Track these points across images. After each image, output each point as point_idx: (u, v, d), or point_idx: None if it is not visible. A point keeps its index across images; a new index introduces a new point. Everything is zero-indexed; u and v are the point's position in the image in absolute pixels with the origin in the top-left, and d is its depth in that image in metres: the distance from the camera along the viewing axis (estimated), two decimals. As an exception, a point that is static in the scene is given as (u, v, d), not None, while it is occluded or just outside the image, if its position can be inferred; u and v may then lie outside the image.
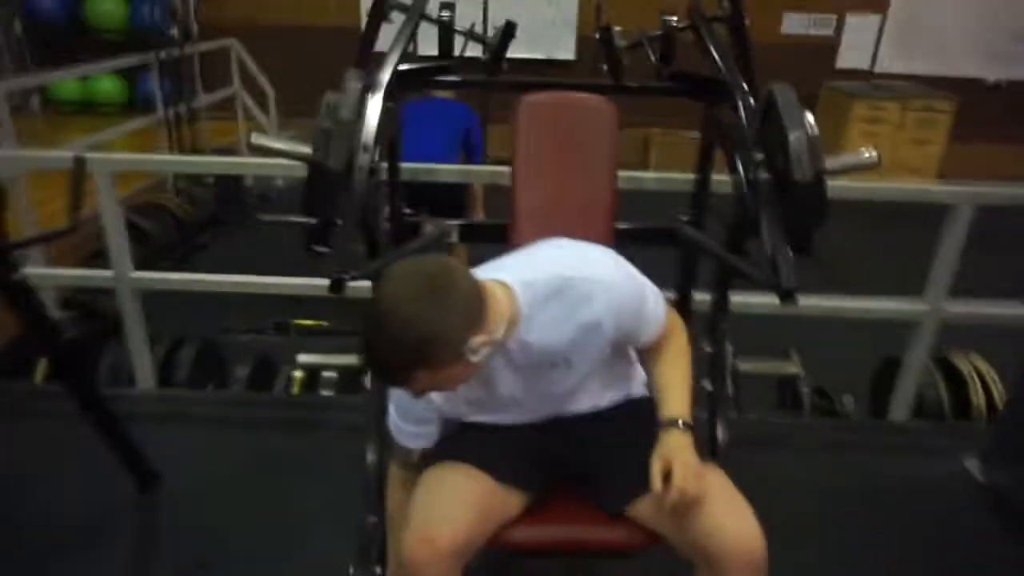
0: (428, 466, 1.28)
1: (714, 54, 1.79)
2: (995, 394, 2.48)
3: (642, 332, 1.26)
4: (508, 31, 1.83)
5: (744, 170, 1.58)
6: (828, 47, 6.57)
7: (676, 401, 1.24)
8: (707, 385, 1.87)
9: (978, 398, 2.46)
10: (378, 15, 1.84)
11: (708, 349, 1.87)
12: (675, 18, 1.89)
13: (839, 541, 1.87)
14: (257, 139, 1.53)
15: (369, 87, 1.59)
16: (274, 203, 5.78)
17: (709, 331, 1.87)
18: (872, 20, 6.47)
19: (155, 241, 4.30)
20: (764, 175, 1.51)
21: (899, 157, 6.13)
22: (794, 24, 6.47)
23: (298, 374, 2.65)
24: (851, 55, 6.58)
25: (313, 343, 3.40)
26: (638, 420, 1.33)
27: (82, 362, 1.77)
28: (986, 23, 6.40)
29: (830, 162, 1.54)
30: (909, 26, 6.45)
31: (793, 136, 1.41)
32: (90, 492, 1.95)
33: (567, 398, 1.31)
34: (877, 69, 6.60)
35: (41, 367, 2.53)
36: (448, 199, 3.55)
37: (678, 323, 1.33)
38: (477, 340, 1.04)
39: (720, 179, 2.09)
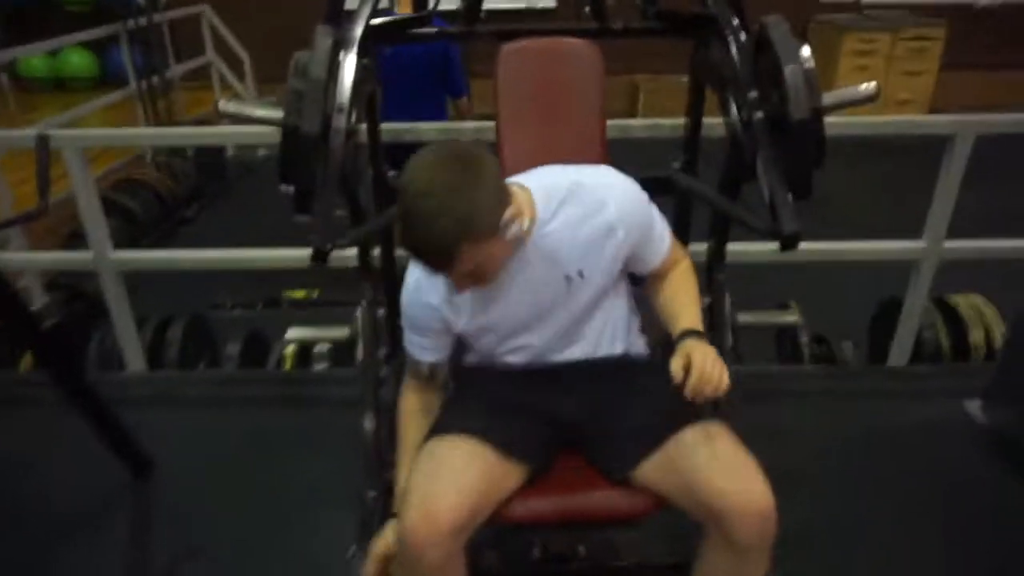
0: (429, 438, 1.24)
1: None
2: (995, 334, 2.45)
3: (651, 252, 1.29)
4: (484, -24, 1.73)
5: (738, 110, 1.50)
6: (816, -20, 6.40)
7: (689, 317, 1.25)
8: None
9: (978, 339, 2.44)
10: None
11: (706, 300, 1.82)
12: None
13: (841, 490, 1.86)
14: (226, 105, 1.46)
15: (340, 43, 1.50)
16: (257, 173, 5.68)
17: (706, 282, 1.82)
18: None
19: (137, 218, 4.21)
20: (759, 114, 1.44)
21: (891, 89, 6.02)
22: (781, -43, 6.27)
23: (290, 349, 2.60)
24: (839, -13, 6.41)
25: (305, 315, 3.37)
26: (641, 379, 1.30)
27: (65, 350, 1.71)
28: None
29: (827, 97, 1.48)
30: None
31: (789, 71, 1.34)
32: (83, 479, 1.92)
33: (576, 330, 1.29)
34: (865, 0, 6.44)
35: (27, 355, 2.48)
36: None
37: (682, 250, 1.38)
38: (508, 213, 1.08)
39: (712, 122, 2.03)
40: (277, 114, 1.43)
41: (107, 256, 2.25)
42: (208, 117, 5.75)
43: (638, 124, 2.09)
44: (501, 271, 1.16)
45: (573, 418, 1.29)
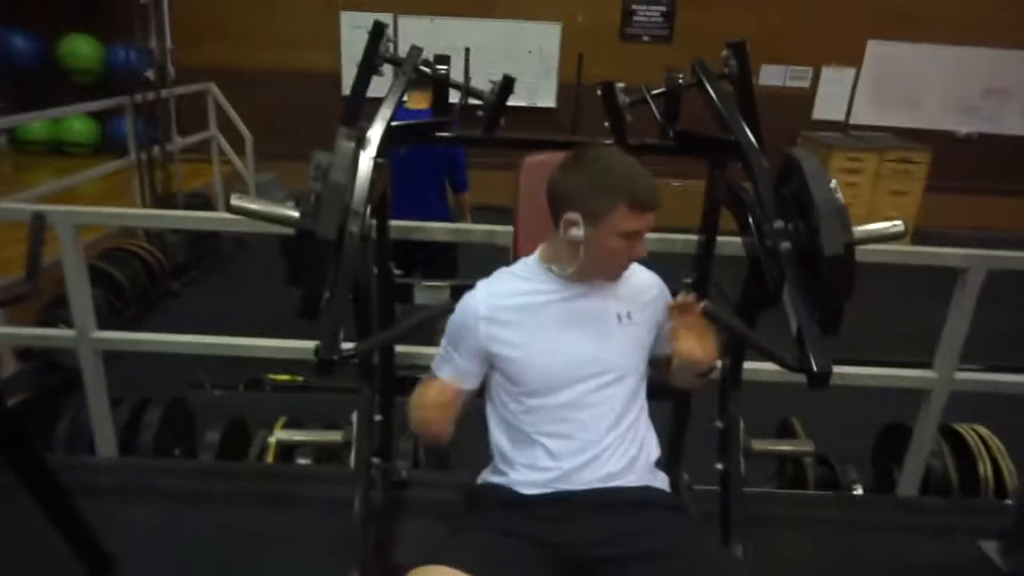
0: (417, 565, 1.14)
1: (723, 113, 1.71)
2: (1003, 468, 2.40)
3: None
4: (507, 86, 1.74)
5: (761, 238, 1.49)
6: (804, 98, 6.68)
7: None
8: (719, 465, 1.76)
9: (986, 472, 2.37)
10: (368, 68, 1.74)
11: (719, 425, 1.76)
12: (680, 75, 1.82)
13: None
14: (238, 201, 1.41)
15: (359, 144, 1.48)
16: (251, 248, 5.62)
17: (720, 406, 1.76)
18: (847, 73, 6.61)
19: (123, 289, 4.11)
20: (786, 244, 1.41)
21: (877, 207, 6.19)
22: (772, 75, 6.56)
23: (274, 439, 2.47)
24: (826, 106, 6.69)
25: (289, 401, 3.23)
26: (663, 525, 1.22)
27: (25, 431, 1.58)
28: (956, 79, 6.56)
29: (857, 232, 1.47)
30: (882, 79, 6.60)
31: (823, 206, 1.33)
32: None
33: (603, 378, 1.33)
34: (852, 120, 6.71)
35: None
36: (442, 252, 3.49)
37: None
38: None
39: (725, 240, 2.03)
40: (290, 213, 1.38)
41: (90, 335, 2.15)
42: (205, 191, 5.75)
43: (650, 237, 2.06)
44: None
45: (586, 554, 1.20)
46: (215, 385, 3.47)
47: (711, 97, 1.76)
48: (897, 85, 6.61)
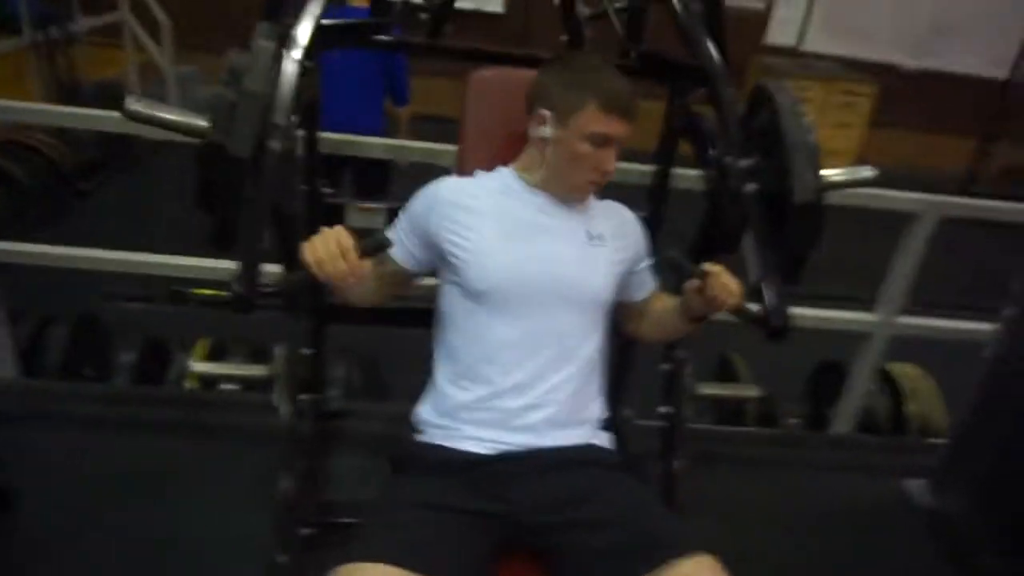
0: (343, 559, 1.01)
1: (689, 33, 1.57)
2: (932, 409, 2.46)
3: (644, 278, 1.37)
4: (453, -13, 1.54)
5: (723, 176, 1.38)
6: (759, 20, 6.51)
7: None
8: (663, 408, 1.71)
9: (914, 411, 2.44)
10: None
11: (665, 367, 1.70)
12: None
13: (780, 567, 1.77)
14: (135, 105, 1.19)
15: (283, 46, 1.28)
16: (168, 149, 5.20)
17: (664, 350, 1.70)
18: (802, -4, 6.45)
19: (23, 187, 3.74)
20: (751, 186, 1.31)
21: (820, 139, 6.09)
22: (728, -7, 6.35)
23: (194, 370, 2.31)
24: (780, 30, 6.55)
25: (213, 318, 3.04)
26: (614, 483, 1.16)
27: None
28: (908, 12, 6.49)
29: (828, 176, 1.37)
30: (836, 5, 6.47)
31: (796, 147, 1.23)
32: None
33: (562, 354, 1.22)
34: (803, 47, 6.61)
35: None
36: (373, 176, 3.26)
37: None
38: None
39: (682, 173, 1.92)
40: (199, 122, 1.19)
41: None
42: (117, 80, 5.24)
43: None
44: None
45: (525, 520, 1.12)
46: (131, 298, 3.23)
47: (676, 13, 1.61)
48: (850, 13, 6.50)
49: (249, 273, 1.12)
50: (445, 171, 1.76)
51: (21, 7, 4.22)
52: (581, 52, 1.29)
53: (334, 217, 1.83)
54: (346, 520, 1.53)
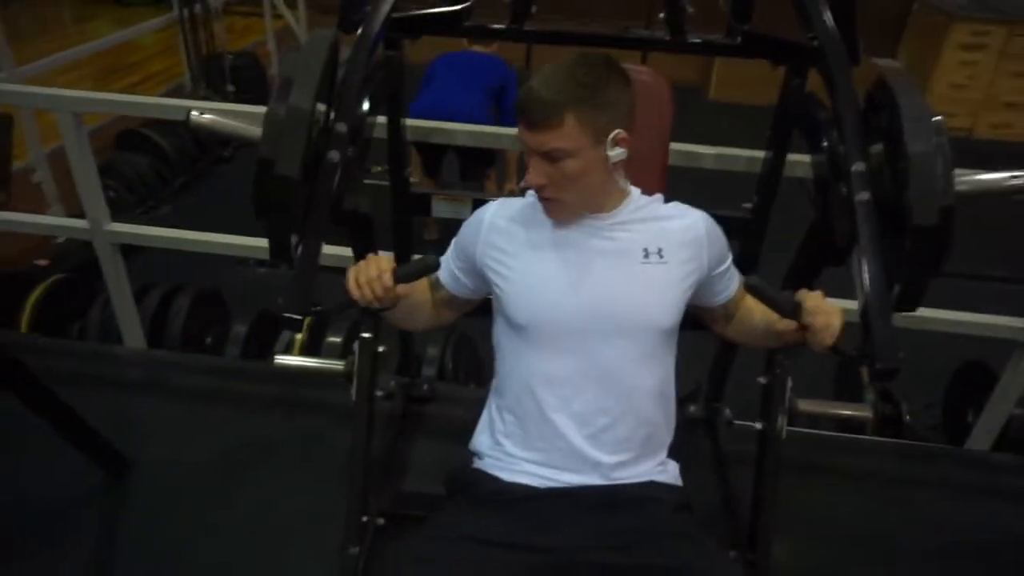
0: None
1: (808, 10, 1.36)
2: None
3: (727, 278, 1.23)
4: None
5: (835, 180, 1.20)
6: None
7: None
8: (758, 425, 1.57)
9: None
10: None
11: (762, 380, 1.55)
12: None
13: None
14: (199, 117, 1.22)
15: (351, 42, 1.24)
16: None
17: (767, 358, 1.54)
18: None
19: (169, 158, 4.04)
20: (865, 195, 1.13)
21: (996, 91, 5.43)
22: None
23: (299, 336, 2.41)
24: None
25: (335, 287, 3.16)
26: (660, 528, 1.07)
27: (23, 370, 1.53)
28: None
29: (963, 184, 1.15)
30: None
31: (918, 161, 1.03)
32: (52, 480, 1.77)
33: (615, 324, 1.12)
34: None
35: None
36: (476, 159, 3.22)
37: None
38: (620, 133, 1.07)
39: (797, 159, 1.71)
40: (253, 132, 1.19)
41: (103, 228, 2.06)
42: (254, 50, 5.50)
43: (708, 153, 1.77)
44: (579, 201, 1.11)
45: (577, 560, 1.05)
46: (260, 262, 3.42)
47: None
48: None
49: (299, 291, 1.11)
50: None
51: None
52: (573, 55, 1.08)
53: (420, 206, 1.81)
54: (420, 513, 1.54)
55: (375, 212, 1.39)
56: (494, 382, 1.25)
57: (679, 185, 1.51)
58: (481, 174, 3.15)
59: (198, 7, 4.46)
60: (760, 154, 1.71)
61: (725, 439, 1.99)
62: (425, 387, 2.11)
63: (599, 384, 1.11)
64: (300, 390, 2.14)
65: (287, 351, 2.43)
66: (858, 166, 1.14)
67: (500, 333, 1.21)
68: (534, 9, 1.50)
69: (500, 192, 3.32)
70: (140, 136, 3.89)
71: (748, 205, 1.73)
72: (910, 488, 1.94)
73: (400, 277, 1.09)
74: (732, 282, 1.25)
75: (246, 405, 2.09)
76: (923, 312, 1.94)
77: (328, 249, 1.32)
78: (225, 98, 4.61)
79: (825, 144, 1.26)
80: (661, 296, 1.13)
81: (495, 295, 1.20)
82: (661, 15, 1.50)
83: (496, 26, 1.56)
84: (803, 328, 1.07)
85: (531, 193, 1.23)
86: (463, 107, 2.95)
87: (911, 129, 1.04)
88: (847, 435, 2.13)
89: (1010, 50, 5.32)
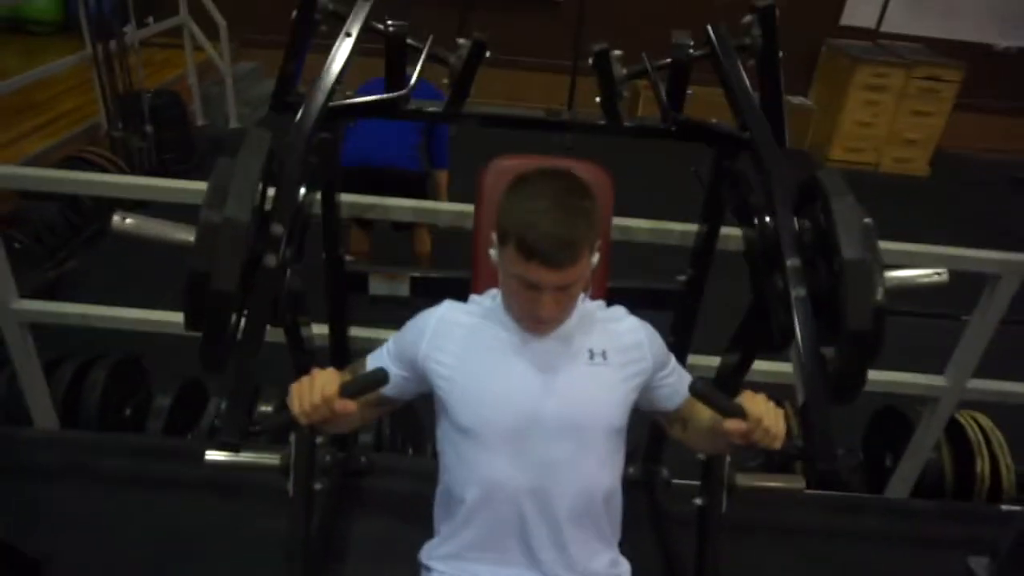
0: None
1: (738, 102, 1.41)
2: (1001, 465, 2.25)
3: (675, 381, 1.24)
4: (476, 51, 1.42)
5: (770, 272, 1.24)
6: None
7: None
8: (698, 500, 1.60)
9: (983, 469, 2.23)
10: (305, 26, 1.41)
11: (701, 457, 1.58)
12: (691, 43, 1.49)
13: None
14: (121, 223, 1.15)
15: (279, 146, 1.20)
16: (227, 148, 5.24)
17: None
18: (884, -28, 5.97)
19: (80, 202, 3.82)
20: (801, 291, 1.16)
21: (897, 129, 5.78)
22: (800, -29, 5.94)
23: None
24: (858, 9, 6.09)
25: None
26: None
27: None
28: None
29: (891, 282, 1.20)
30: (922, -18, 5.97)
31: (853, 268, 1.06)
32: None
33: (562, 427, 1.13)
34: (884, 28, 6.14)
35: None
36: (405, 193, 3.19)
37: None
38: (599, 242, 1.12)
39: (730, 233, 1.76)
40: (184, 238, 1.13)
41: (10, 307, 1.93)
42: (175, 87, 5.30)
43: (642, 227, 1.80)
44: (568, 315, 1.14)
45: None
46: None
47: (725, 76, 1.45)
48: (937, -11, 6.00)
49: (234, 416, 1.07)
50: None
51: (81, 16, 4.28)
52: (549, 171, 1.12)
53: (356, 285, 1.77)
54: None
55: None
56: (439, 487, 1.22)
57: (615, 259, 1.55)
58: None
59: (113, 44, 4.25)
60: (694, 227, 1.75)
61: (664, 499, 2.02)
62: (363, 460, 2.06)
63: (549, 485, 1.11)
64: (226, 473, 2.04)
65: (215, 422, 2.33)
66: (793, 262, 1.18)
67: (444, 438, 1.19)
68: (471, 92, 1.50)
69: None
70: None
71: (682, 278, 1.77)
72: (837, 540, 2.02)
73: (346, 394, 1.04)
74: (682, 384, 1.23)
75: (172, 489, 1.98)
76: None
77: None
78: (144, 139, 4.42)
79: (758, 232, 1.30)
80: (608, 395, 1.15)
81: (439, 398, 1.19)
82: (597, 99, 1.53)
83: (433, 109, 1.55)
84: (748, 432, 1.06)
85: (480, 299, 1.24)
86: (393, 156, 2.91)
87: (845, 232, 1.08)
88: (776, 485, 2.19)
89: (908, 91, 5.69)
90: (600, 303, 1.26)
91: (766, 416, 1.02)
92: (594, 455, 1.14)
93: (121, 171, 4.15)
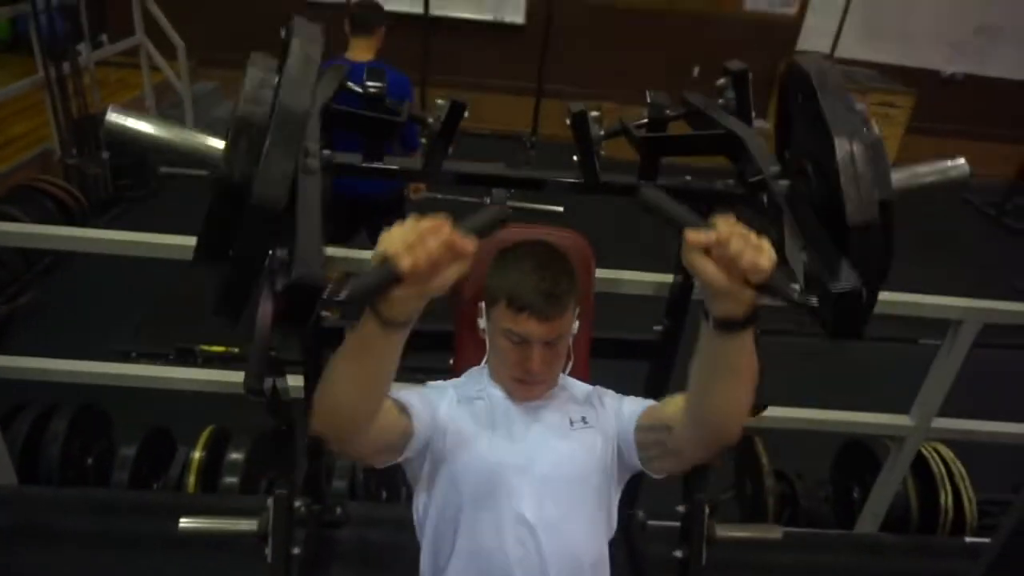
0: None
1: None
2: (963, 496, 2.32)
3: (635, 406, 1.24)
4: (454, 112, 1.41)
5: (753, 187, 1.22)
6: (790, 26, 6.25)
7: None
8: (678, 553, 1.61)
9: (947, 502, 2.30)
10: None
11: (680, 509, 1.59)
12: (668, 103, 1.51)
13: None
14: (116, 118, 0.94)
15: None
16: (186, 173, 5.14)
17: (685, 488, 1.59)
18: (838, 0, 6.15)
19: (4, 258, 3.65)
20: (783, 184, 1.10)
21: (853, 151, 5.95)
22: (758, -1, 6.10)
23: (197, 455, 2.25)
24: (813, 37, 6.27)
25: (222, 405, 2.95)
26: None
27: None
28: (950, 13, 6.18)
29: (899, 178, 1.08)
30: (873, 9, 6.16)
31: (842, 148, 0.93)
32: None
33: (557, 489, 1.16)
34: (838, 54, 6.32)
35: None
36: (389, 217, 3.17)
37: None
38: (579, 309, 1.23)
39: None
40: (210, 143, 0.95)
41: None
42: (132, 106, 5.17)
43: (625, 279, 1.82)
44: (555, 377, 1.25)
45: None
46: (142, 354, 3.19)
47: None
48: (889, 17, 6.20)
49: (261, 361, 1.02)
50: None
51: (33, 39, 4.14)
52: (530, 242, 1.25)
53: (333, 340, 1.74)
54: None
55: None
56: (423, 564, 1.22)
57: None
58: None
59: (66, 66, 4.12)
60: (669, 278, 1.77)
61: (639, 542, 2.03)
62: (338, 511, 2.02)
63: (537, 551, 1.12)
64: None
65: (183, 471, 2.26)
66: (782, 183, 1.12)
67: (430, 509, 1.20)
68: (451, 152, 1.49)
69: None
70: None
71: (659, 328, 1.79)
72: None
73: (467, 231, 0.78)
74: (637, 403, 1.24)
75: (139, 546, 1.92)
76: (813, 413, 2.08)
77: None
78: (99, 165, 4.30)
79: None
80: (591, 456, 1.21)
81: (433, 462, 1.19)
82: (575, 157, 1.53)
83: (410, 168, 1.54)
84: (724, 257, 0.78)
85: (463, 379, 1.30)
86: (367, 185, 2.87)
87: (834, 118, 0.97)
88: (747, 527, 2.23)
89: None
90: (577, 383, 1.34)
91: (735, 237, 0.77)
92: (583, 519, 1.17)
93: (76, 201, 4.04)
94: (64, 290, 3.62)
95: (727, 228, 0.77)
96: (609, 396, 1.30)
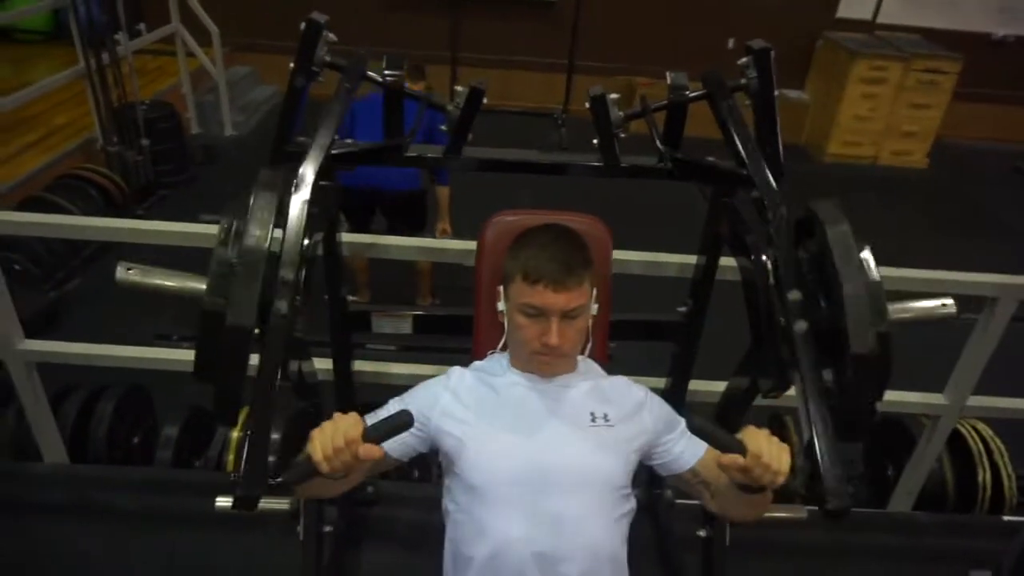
0: None
1: (736, 142, 1.42)
2: (1002, 474, 2.27)
3: (682, 444, 1.25)
4: (473, 98, 1.42)
5: (770, 309, 1.22)
6: (831, -9, 6.06)
7: None
8: (702, 533, 1.62)
9: (985, 479, 2.25)
10: (304, 76, 1.41)
11: (701, 533, 1.61)
12: (688, 84, 1.50)
13: None
14: (126, 274, 1.17)
15: (289, 187, 1.21)
16: (221, 158, 5.26)
17: (703, 515, 1.60)
18: (880, -38, 5.94)
19: (52, 246, 3.77)
20: (801, 324, 1.15)
21: (895, 122, 5.77)
22: (796, -37, 5.91)
23: (235, 435, 2.32)
24: (855, 3, 6.06)
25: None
26: None
27: None
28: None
29: (895, 313, 1.17)
30: (918, -29, 5.94)
31: (850, 291, 1.05)
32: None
33: (568, 485, 1.17)
34: (880, 19, 6.11)
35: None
36: (407, 212, 3.21)
37: None
38: (595, 292, 1.26)
39: (729, 264, 1.77)
40: (195, 285, 1.14)
41: (15, 348, 1.94)
42: (169, 98, 5.28)
43: (638, 260, 1.81)
44: (575, 354, 1.27)
45: None
46: (183, 337, 3.29)
47: (722, 118, 1.45)
48: (934, -22, 5.97)
49: (253, 472, 1.06)
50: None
51: (73, 30, 4.24)
52: (546, 225, 1.30)
53: (359, 323, 1.78)
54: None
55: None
56: (447, 546, 1.24)
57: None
58: (416, 229, 3.16)
59: (106, 56, 4.21)
60: (692, 259, 1.76)
61: (668, 521, 2.04)
62: (369, 489, 2.08)
63: (556, 545, 1.13)
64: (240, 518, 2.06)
65: (222, 450, 2.35)
66: (793, 295, 1.16)
67: (452, 493, 1.22)
68: (471, 138, 1.51)
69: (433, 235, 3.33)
70: (46, 202, 3.67)
71: (682, 309, 1.79)
72: (841, 557, 2.05)
73: (370, 438, 0.97)
74: (693, 447, 1.25)
75: (183, 523, 2.00)
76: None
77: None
78: (140, 152, 4.40)
79: (756, 267, 1.29)
80: (608, 456, 1.20)
81: (448, 456, 1.21)
82: (595, 140, 1.53)
83: (433, 155, 1.55)
84: (747, 468, 0.99)
85: (484, 363, 1.30)
86: (391, 177, 2.92)
87: (843, 261, 1.08)
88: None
89: (906, 84, 5.67)
90: (599, 369, 1.34)
91: (767, 452, 0.97)
92: (601, 515, 1.17)
93: (119, 188, 4.15)
94: (109, 276, 3.73)
95: (755, 449, 0.97)
96: (666, 417, 1.28)
